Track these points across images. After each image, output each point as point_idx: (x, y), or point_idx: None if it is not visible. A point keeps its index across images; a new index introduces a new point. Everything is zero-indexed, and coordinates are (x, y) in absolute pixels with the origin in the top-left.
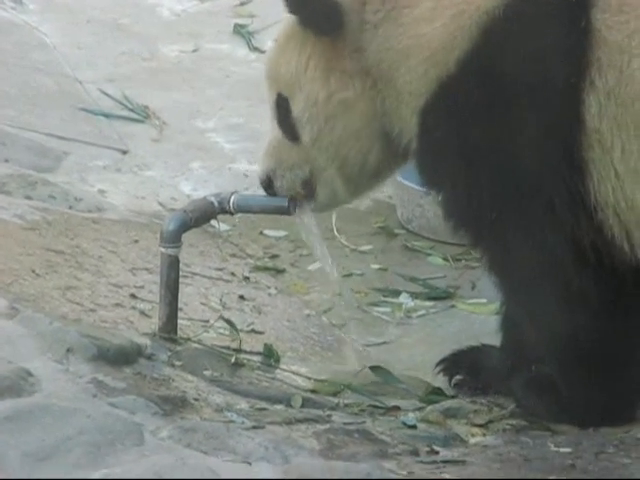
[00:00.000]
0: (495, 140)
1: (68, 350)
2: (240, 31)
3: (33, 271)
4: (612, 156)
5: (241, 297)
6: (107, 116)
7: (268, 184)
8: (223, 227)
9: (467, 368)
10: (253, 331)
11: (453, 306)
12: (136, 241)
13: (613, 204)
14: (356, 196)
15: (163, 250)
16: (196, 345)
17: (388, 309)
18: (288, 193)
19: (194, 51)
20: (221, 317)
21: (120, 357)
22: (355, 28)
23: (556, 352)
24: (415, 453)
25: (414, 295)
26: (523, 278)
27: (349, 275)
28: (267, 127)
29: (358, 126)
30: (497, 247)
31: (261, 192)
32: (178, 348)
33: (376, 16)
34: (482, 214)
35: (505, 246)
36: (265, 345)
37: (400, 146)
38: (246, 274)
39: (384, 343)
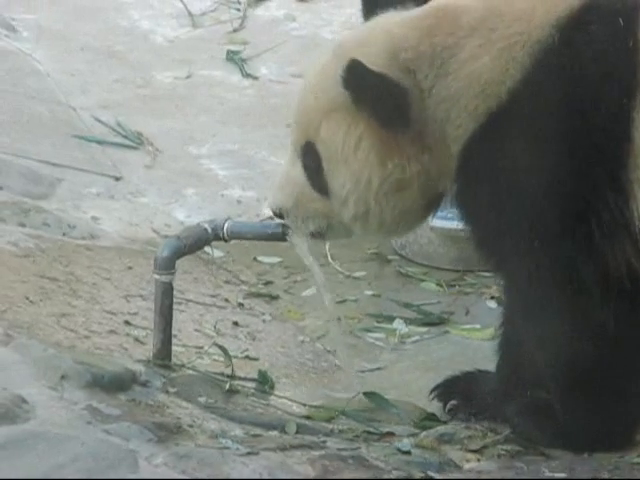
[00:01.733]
0: (543, 165)
1: (62, 377)
2: (233, 58)
3: (27, 298)
4: None
5: (235, 323)
6: (100, 143)
7: (279, 216)
8: (217, 254)
9: (461, 394)
10: (247, 357)
11: (447, 332)
12: (130, 268)
13: None
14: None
15: (157, 277)
16: (190, 372)
17: (382, 335)
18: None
19: (187, 78)
20: (215, 343)
21: (114, 384)
22: (416, 110)
23: (560, 378)
24: (410, 479)
25: (408, 321)
26: (547, 305)
27: (343, 301)
28: (261, 153)
29: (409, 205)
30: (527, 272)
31: (255, 219)
32: (172, 375)
33: (427, 81)
34: (521, 239)
35: (536, 272)
36: (259, 371)
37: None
38: (240, 300)
39: (378, 369)
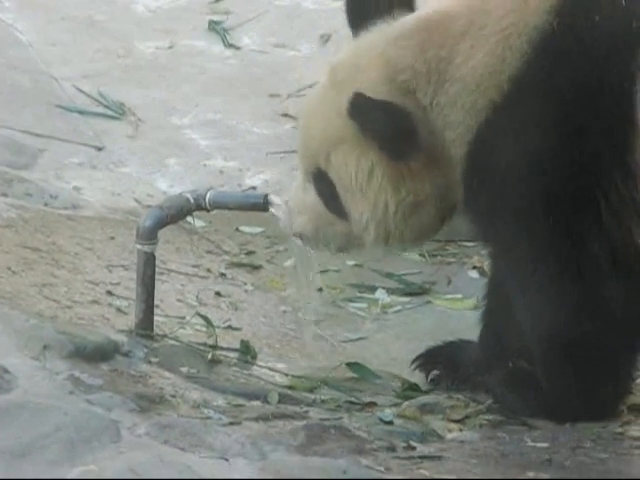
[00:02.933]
0: (549, 149)
1: (45, 347)
2: (215, 28)
3: (9, 268)
4: None
5: (217, 294)
6: (82, 113)
7: (301, 239)
8: (199, 224)
9: (444, 363)
10: (230, 327)
11: (429, 302)
12: (112, 238)
13: None
14: None
15: (139, 247)
16: (173, 342)
17: (364, 305)
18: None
19: (169, 48)
20: (197, 313)
21: (97, 354)
22: (423, 127)
23: (551, 350)
24: (392, 449)
25: (390, 291)
26: (552, 279)
27: (325, 271)
28: (243, 124)
29: (427, 221)
30: (533, 248)
31: (237, 189)
32: (155, 345)
33: (427, 97)
34: (529, 215)
35: (542, 247)
36: (242, 341)
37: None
38: (222, 270)
39: (360, 339)
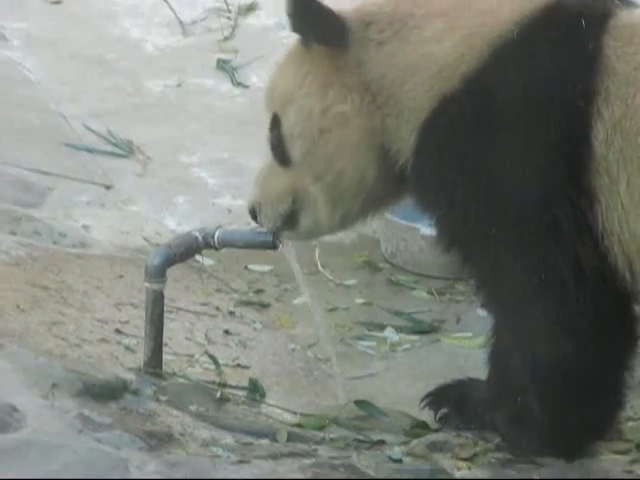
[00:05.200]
0: (498, 156)
1: (53, 385)
2: (224, 66)
3: (18, 306)
4: (618, 187)
5: (226, 332)
6: (91, 151)
7: (254, 215)
8: (208, 262)
9: (453, 402)
10: (238, 366)
11: (438, 340)
12: (121, 276)
13: (618, 233)
14: (341, 224)
15: (148, 285)
16: (181, 380)
17: (373, 343)
18: (270, 227)
19: (178, 86)
20: (205, 352)
21: (106, 392)
22: (358, 44)
23: (539, 379)
24: None
25: (399, 329)
26: (520, 298)
27: (334, 309)
28: (251, 162)
29: (354, 141)
30: (494, 266)
31: (245, 227)
32: (163, 383)
33: (382, 35)
34: (481, 231)
35: (503, 265)
36: (250, 380)
37: (396, 167)
38: (231, 309)
39: (369, 377)
